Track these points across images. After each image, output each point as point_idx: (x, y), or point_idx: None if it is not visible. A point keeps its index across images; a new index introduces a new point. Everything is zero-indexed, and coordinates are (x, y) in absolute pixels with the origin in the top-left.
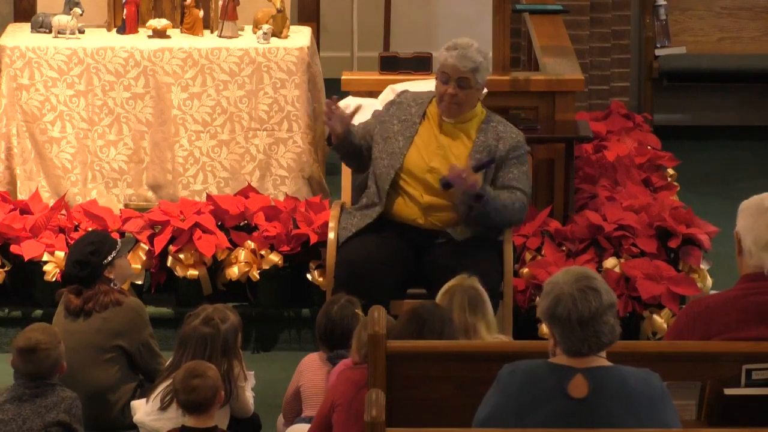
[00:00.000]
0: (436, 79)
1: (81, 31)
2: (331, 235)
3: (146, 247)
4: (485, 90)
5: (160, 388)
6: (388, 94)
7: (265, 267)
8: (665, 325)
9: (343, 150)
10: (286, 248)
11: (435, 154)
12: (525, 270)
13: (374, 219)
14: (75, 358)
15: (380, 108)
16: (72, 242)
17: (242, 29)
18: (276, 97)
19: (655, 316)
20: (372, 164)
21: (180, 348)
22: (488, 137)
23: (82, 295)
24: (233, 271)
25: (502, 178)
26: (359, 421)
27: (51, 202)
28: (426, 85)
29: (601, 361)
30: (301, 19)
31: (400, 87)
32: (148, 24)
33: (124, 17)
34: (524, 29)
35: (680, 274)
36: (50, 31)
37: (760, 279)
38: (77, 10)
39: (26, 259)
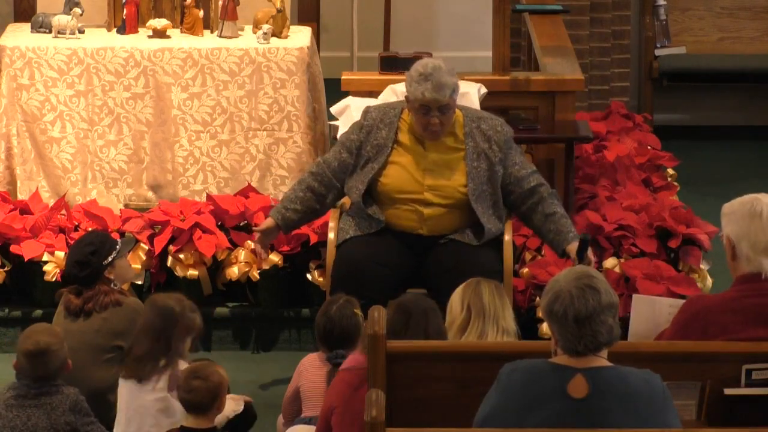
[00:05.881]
0: (413, 110)
1: (81, 31)
2: (331, 235)
3: (146, 247)
4: (484, 90)
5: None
6: (389, 94)
7: (265, 267)
8: None
9: (292, 230)
10: (286, 248)
11: (428, 172)
12: (525, 270)
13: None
14: (75, 358)
15: (346, 126)
16: (72, 242)
17: (242, 29)
18: (276, 97)
19: None
20: (347, 191)
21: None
22: (477, 141)
23: (82, 295)
24: (233, 271)
25: (511, 171)
26: (357, 422)
27: (51, 202)
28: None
29: (602, 361)
30: (301, 19)
31: (399, 87)
32: (148, 24)
33: (124, 17)
34: (524, 29)
35: (680, 274)
36: (50, 31)
37: (756, 280)
38: (77, 10)
39: (26, 259)
